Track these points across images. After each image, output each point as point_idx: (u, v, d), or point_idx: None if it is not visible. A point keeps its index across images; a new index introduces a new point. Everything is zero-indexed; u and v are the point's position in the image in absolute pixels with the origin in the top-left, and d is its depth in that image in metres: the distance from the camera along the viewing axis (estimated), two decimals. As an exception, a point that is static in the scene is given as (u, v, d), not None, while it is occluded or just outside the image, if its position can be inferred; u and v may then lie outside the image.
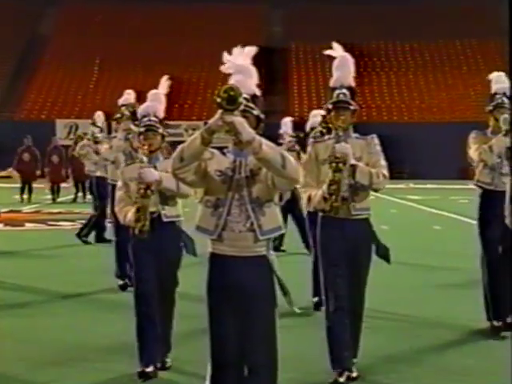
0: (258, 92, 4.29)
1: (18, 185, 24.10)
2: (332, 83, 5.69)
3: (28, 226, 16.74)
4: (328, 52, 5.80)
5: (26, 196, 23.54)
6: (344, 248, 5.51)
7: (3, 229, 16.10)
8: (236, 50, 4.36)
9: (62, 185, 24.32)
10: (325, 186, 5.43)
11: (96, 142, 12.95)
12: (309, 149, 5.80)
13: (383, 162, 5.58)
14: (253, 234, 4.09)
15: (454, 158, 35.84)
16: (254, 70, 4.33)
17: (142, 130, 5.92)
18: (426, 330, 7.36)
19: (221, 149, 4.24)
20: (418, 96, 42.84)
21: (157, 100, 6.11)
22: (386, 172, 5.54)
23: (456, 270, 10.86)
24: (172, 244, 5.89)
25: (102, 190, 12.18)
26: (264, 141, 3.96)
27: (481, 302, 7.25)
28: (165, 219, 5.83)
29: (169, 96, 6.19)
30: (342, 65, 5.71)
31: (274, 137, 7.68)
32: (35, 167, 23.99)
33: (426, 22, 44.72)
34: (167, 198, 5.86)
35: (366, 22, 44.40)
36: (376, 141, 5.63)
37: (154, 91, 6.17)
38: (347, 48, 5.91)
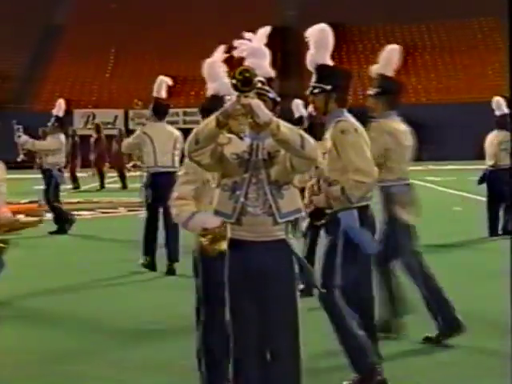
0: (273, 74, 4.27)
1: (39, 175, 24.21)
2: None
3: (49, 216, 16.75)
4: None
5: None
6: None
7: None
8: (249, 35, 4.36)
9: (82, 174, 24.74)
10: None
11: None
12: None
13: None
14: (271, 218, 4.07)
15: (473, 138, 35.70)
16: (267, 52, 4.32)
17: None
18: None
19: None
20: (436, 77, 42.57)
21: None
22: None
23: (482, 255, 10.65)
24: None
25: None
26: (281, 122, 3.94)
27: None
28: None
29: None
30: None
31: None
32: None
33: (442, 1, 44.36)
34: None
35: (381, 4, 44.10)
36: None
37: (209, 60, 4.99)
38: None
